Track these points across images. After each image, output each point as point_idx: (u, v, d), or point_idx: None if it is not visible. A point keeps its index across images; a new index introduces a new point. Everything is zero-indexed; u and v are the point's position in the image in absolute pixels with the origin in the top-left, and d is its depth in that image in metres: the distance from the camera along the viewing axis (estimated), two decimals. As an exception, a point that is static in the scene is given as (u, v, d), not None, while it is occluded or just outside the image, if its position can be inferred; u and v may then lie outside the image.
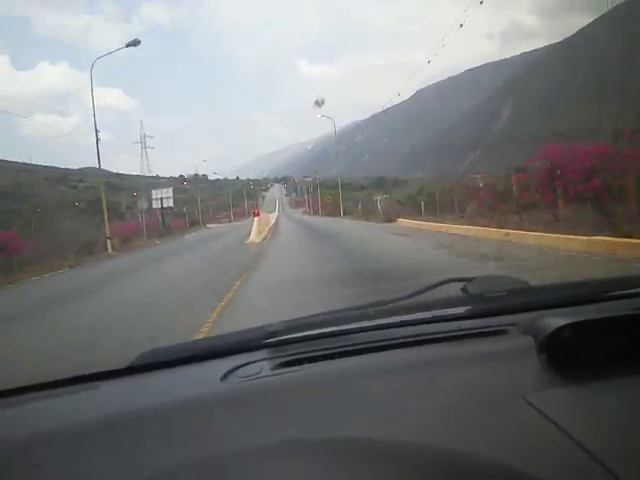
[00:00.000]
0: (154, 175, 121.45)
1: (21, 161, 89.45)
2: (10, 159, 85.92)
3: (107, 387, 0.87)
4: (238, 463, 0.51)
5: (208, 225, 52.57)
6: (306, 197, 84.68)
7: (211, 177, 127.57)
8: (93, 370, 0.92)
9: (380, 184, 79.31)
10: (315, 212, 62.39)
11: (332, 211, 45.82)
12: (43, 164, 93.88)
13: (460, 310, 1.00)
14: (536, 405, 0.62)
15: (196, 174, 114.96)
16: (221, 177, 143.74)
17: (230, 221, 69.38)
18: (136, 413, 0.73)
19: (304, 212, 76.39)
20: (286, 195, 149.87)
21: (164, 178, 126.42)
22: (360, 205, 36.89)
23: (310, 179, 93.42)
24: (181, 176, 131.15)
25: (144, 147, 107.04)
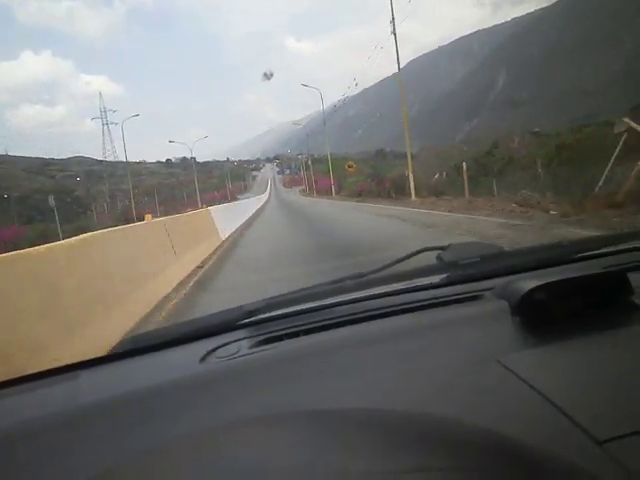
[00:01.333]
0: (140, 161, 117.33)
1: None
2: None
3: (87, 376, 0.87)
4: (217, 439, 0.53)
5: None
6: (304, 174, 73.07)
7: (200, 159, 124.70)
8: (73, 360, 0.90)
9: (378, 158, 75.11)
10: (316, 193, 51.92)
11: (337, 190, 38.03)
12: (31, 155, 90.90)
13: (436, 278, 1.01)
14: (509, 366, 0.63)
15: (184, 157, 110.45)
16: (210, 159, 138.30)
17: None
18: (115, 400, 0.73)
19: (302, 192, 66.20)
20: (278, 173, 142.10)
21: (151, 163, 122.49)
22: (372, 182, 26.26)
23: (304, 156, 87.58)
24: (168, 160, 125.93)
25: (106, 123, 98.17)
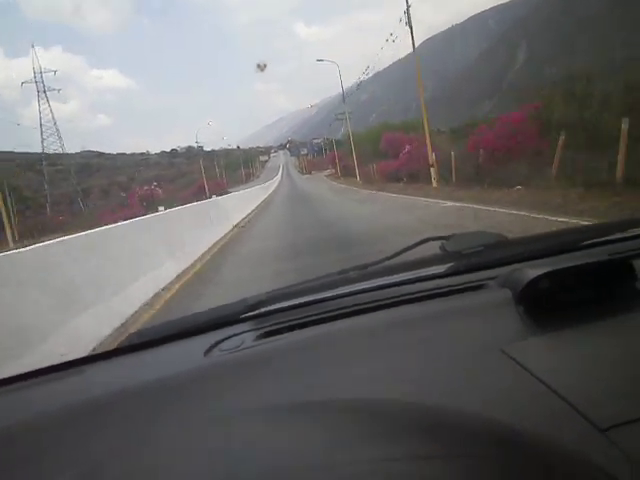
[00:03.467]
0: (142, 152, 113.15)
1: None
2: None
3: (92, 371, 0.88)
4: (222, 430, 0.53)
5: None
6: (335, 152, 55.08)
7: (207, 148, 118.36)
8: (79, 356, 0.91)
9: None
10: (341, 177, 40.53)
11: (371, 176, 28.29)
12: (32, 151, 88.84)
13: (440, 268, 1.01)
14: (512, 355, 0.63)
15: (189, 146, 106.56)
16: (217, 148, 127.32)
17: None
18: (122, 393, 0.74)
19: (332, 177, 49.57)
20: (292, 155, 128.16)
21: (155, 154, 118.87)
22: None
23: (319, 140, 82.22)
24: (173, 150, 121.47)
25: (43, 90, 78.26)
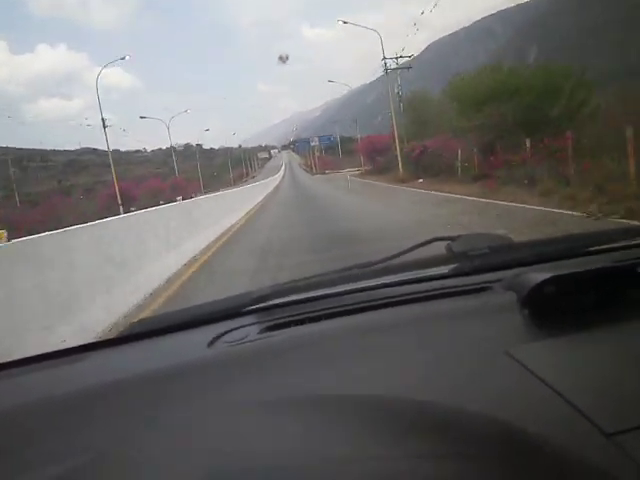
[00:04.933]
0: (138, 150, 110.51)
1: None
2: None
3: (95, 358, 0.88)
4: (223, 422, 0.53)
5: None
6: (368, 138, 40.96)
7: (206, 146, 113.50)
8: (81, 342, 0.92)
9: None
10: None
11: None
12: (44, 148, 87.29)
13: (445, 269, 1.01)
14: (517, 358, 0.63)
15: (187, 143, 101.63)
16: (216, 147, 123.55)
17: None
18: (123, 382, 0.74)
19: (367, 175, 33.47)
20: (294, 151, 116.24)
21: (151, 151, 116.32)
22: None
23: (330, 136, 74.24)
24: (171, 147, 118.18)
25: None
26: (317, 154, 78.37)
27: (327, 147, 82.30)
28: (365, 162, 41.61)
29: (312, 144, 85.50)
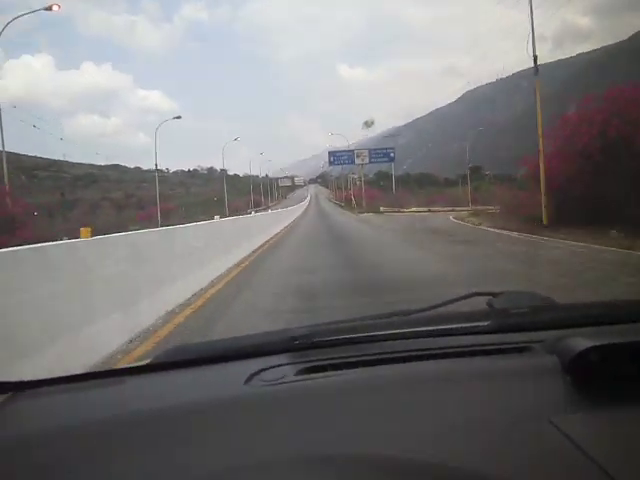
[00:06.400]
0: (160, 169, 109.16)
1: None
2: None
3: (133, 383, 0.89)
4: (254, 471, 0.52)
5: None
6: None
7: (231, 172, 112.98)
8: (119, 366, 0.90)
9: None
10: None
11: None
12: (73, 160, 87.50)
13: (484, 324, 0.98)
14: (561, 428, 0.61)
15: (211, 167, 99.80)
16: (240, 174, 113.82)
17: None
18: (162, 411, 0.74)
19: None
20: (320, 183, 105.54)
21: (173, 172, 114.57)
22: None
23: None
24: (193, 170, 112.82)
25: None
26: (358, 184, 57.81)
27: (366, 180, 61.20)
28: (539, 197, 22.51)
29: (356, 162, 53.30)
